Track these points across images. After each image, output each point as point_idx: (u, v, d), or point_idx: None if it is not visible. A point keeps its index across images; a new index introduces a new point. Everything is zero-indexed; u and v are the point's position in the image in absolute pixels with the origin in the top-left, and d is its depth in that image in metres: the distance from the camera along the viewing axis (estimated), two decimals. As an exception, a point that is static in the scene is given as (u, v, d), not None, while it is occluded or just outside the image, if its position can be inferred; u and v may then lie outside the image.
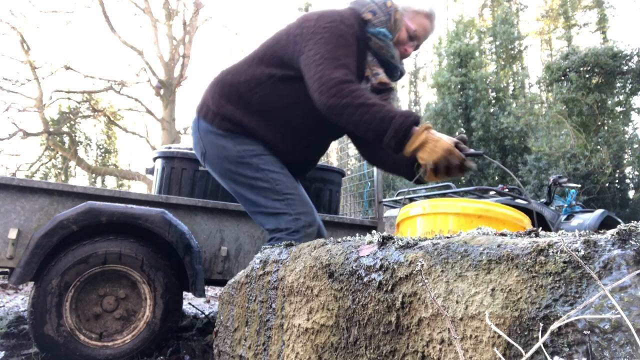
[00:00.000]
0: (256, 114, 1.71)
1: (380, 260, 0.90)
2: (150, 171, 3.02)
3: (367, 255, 0.94)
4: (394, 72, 1.78)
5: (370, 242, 0.99)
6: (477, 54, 14.65)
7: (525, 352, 0.63)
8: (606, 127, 10.54)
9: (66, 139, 15.12)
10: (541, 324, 0.63)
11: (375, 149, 1.85)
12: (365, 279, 0.91)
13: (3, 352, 2.22)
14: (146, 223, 2.09)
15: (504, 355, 0.66)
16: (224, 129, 1.72)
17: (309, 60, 1.55)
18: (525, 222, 1.24)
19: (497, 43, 15.85)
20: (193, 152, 2.76)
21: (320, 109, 1.53)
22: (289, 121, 1.73)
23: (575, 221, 4.24)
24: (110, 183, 19.63)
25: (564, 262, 0.65)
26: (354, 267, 0.95)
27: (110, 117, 15.66)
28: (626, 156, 11.27)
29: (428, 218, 1.24)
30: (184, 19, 14.11)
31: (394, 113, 1.42)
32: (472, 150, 1.42)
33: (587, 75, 10.66)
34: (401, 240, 0.93)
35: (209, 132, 1.74)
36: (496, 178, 13.10)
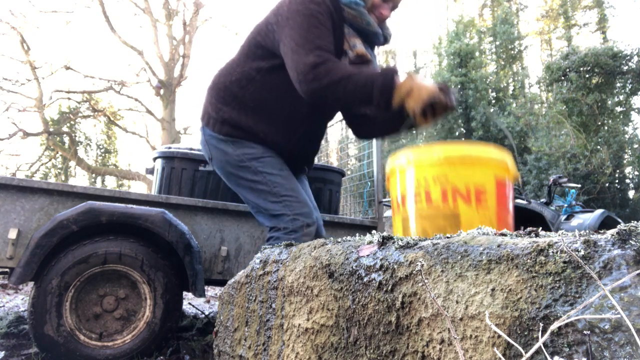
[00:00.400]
0: (251, 111, 1.74)
1: (380, 260, 0.90)
2: (150, 171, 3.02)
3: (367, 255, 0.94)
4: (375, 39, 1.77)
5: (370, 242, 0.99)
6: (477, 54, 14.65)
7: (525, 352, 0.63)
8: (606, 127, 10.54)
9: (66, 139, 15.12)
10: (541, 324, 0.63)
11: (364, 122, 1.90)
12: (365, 279, 0.91)
13: (3, 352, 2.22)
14: (146, 223, 2.09)
15: (504, 355, 0.66)
16: (224, 133, 1.77)
17: (285, 49, 1.59)
18: (507, 160, 1.23)
19: (497, 43, 15.85)
20: (193, 152, 2.76)
21: (305, 98, 1.57)
22: (283, 111, 1.75)
23: (575, 221, 4.24)
24: (110, 183, 19.64)
25: (564, 262, 0.65)
26: (354, 267, 0.95)
27: (110, 117, 15.66)
28: (626, 156, 11.27)
29: (414, 168, 1.26)
30: (184, 19, 14.11)
31: (374, 76, 1.47)
32: (455, 93, 1.50)
33: (587, 75, 10.66)
34: (401, 240, 0.93)
35: (212, 138, 1.81)
36: (496, 178, 13.09)
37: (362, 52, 1.67)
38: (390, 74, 1.47)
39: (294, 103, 1.72)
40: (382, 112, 1.53)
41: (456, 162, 1.20)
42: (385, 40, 1.84)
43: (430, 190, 1.21)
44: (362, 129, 1.96)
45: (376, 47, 1.89)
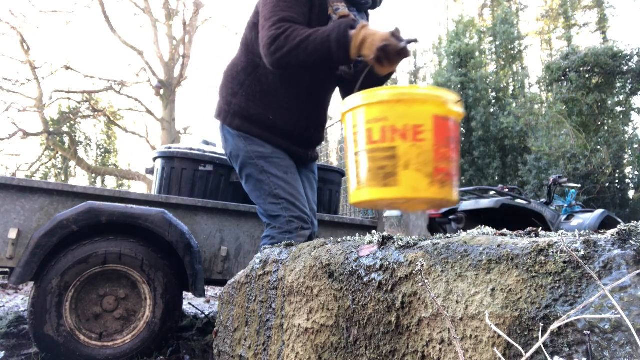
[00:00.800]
0: (259, 97, 1.81)
1: (380, 260, 0.90)
2: (150, 171, 3.02)
3: (367, 255, 0.94)
4: (362, 2, 1.82)
5: (370, 242, 0.99)
6: (477, 54, 14.65)
7: (525, 352, 0.63)
8: (606, 127, 10.53)
9: (66, 139, 15.12)
10: (541, 324, 0.63)
11: (348, 88, 1.93)
12: (365, 279, 0.91)
13: (3, 352, 2.22)
14: (146, 223, 2.09)
15: (504, 355, 0.66)
16: (235, 127, 1.84)
17: (260, 28, 1.67)
18: (448, 97, 1.28)
19: (497, 43, 15.84)
20: (193, 152, 2.77)
21: (272, 69, 1.65)
22: (287, 91, 1.81)
23: (575, 221, 4.24)
24: (110, 183, 19.63)
25: (564, 262, 0.65)
26: (354, 267, 0.95)
27: (110, 117, 15.66)
28: (626, 156, 11.27)
29: (359, 110, 1.32)
30: (184, 19, 14.11)
31: (328, 30, 1.52)
32: (407, 38, 1.51)
33: (587, 75, 10.66)
34: (401, 240, 0.93)
35: (227, 133, 1.88)
36: (496, 178, 13.11)
37: (344, 14, 1.72)
38: (343, 25, 1.52)
39: (295, 82, 1.80)
40: (346, 67, 1.58)
41: (394, 102, 1.27)
42: (375, 2, 1.87)
43: (371, 128, 1.29)
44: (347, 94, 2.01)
45: (370, 11, 1.93)
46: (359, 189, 1.31)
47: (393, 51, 1.48)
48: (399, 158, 1.23)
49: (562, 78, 10.94)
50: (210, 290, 5.10)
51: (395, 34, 1.49)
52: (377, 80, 1.73)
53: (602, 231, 0.71)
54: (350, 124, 1.36)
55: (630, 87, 10.83)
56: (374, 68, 1.55)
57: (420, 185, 1.22)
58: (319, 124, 2.00)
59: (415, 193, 1.21)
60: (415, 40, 1.53)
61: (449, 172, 1.27)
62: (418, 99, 1.27)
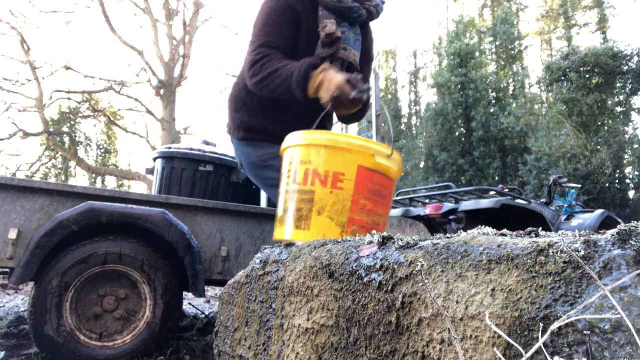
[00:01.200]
0: (259, 112, 1.87)
1: (380, 260, 0.90)
2: (150, 171, 3.02)
3: (367, 255, 0.94)
4: (350, 14, 1.78)
5: (370, 242, 0.99)
6: (477, 54, 14.65)
7: (525, 352, 0.63)
8: (606, 127, 10.53)
9: (66, 139, 15.12)
10: (541, 324, 0.63)
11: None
12: (365, 279, 0.91)
13: (3, 352, 2.22)
14: (146, 223, 2.09)
15: (504, 355, 0.66)
16: (241, 138, 1.90)
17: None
18: (378, 149, 1.27)
19: (497, 43, 15.85)
20: (193, 152, 2.77)
21: (252, 90, 1.72)
22: (282, 108, 1.85)
23: (575, 221, 4.24)
24: (110, 183, 19.64)
25: (564, 262, 0.65)
26: (354, 267, 0.95)
27: (110, 117, 15.66)
28: (626, 156, 11.27)
29: (297, 148, 1.35)
30: (184, 19, 14.11)
31: (293, 68, 1.57)
32: (362, 86, 1.51)
33: (587, 75, 10.66)
34: (401, 240, 0.93)
35: (236, 145, 1.96)
36: (496, 178, 13.11)
37: (330, 31, 1.73)
38: (305, 65, 1.55)
39: (288, 100, 1.81)
40: (305, 102, 1.64)
41: (321, 147, 1.28)
42: (370, 14, 1.85)
43: (297, 170, 1.30)
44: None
45: (370, 22, 1.94)
46: (280, 226, 1.32)
47: (345, 100, 1.49)
48: (315, 203, 1.23)
49: (562, 78, 10.94)
50: (210, 290, 5.10)
51: (350, 80, 1.49)
52: (353, 114, 1.75)
53: (602, 231, 0.71)
54: (287, 161, 1.37)
55: (630, 87, 10.83)
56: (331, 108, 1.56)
57: (330, 233, 1.22)
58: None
59: None
60: (367, 89, 1.53)
61: (364, 225, 1.24)
62: (343, 146, 1.26)
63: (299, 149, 1.31)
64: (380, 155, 1.28)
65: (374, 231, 1.25)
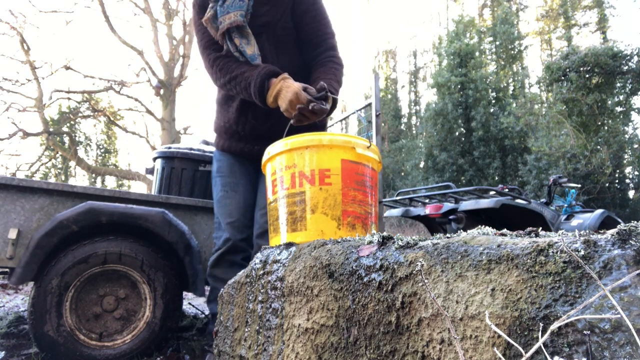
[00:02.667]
0: (218, 110, 1.97)
1: (380, 260, 0.90)
2: (150, 171, 3.02)
3: (367, 255, 0.94)
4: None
5: (370, 242, 0.99)
6: (477, 54, 14.65)
7: (525, 352, 0.63)
8: (606, 127, 10.53)
9: (66, 139, 15.12)
10: (541, 324, 0.63)
11: None
12: (365, 279, 0.91)
13: (3, 352, 2.22)
14: (146, 223, 2.09)
15: (504, 355, 0.66)
16: (214, 144, 2.04)
17: None
18: (358, 142, 1.29)
19: (497, 43, 15.85)
20: (193, 152, 2.76)
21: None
22: (229, 105, 1.91)
23: (575, 221, 4.24)
24: (110, 183, 19.64)
25: (564, 262, 0.65)
26: (354, 267, 0.95)
27: (110, 117, 15.66)
28: (626, 156, 11.27)
29: (280, 156, 1.36)
30: (184, 19, 14.11)
31: (252, 77, 1.60)
32: (316, 94, 1.52)
33: (587, 75, 10.65)
34: (401, 240, 0.93)
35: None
36: (496, 178, 13.11)
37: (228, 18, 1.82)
38: (263, 73, 1.58)
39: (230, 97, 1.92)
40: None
41: (303, 149, 1.30)
42: None
43: (283, 176, 1.32)
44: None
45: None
46: (274, 236, 1.33)
47: (304, 111, 1.49)
48: (307, 202, 1.25)
49: (562, 78, 10.94)
50: (210, 290, 5.09)
51: (307, 89, 1.50)
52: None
53: (602, 231, 0.71)
54: (270, 172, 1.38)
55: (630, 87, 10.83)
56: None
57: (327, 229, 1.23)
58: (266, 118, 1.98)
59: (322, 237, 1.21)
60: (324, 94, 1.52)
61: (359, 215, 1.27)
62: (325, 144, 1.28)
63: (282, 156, 1.33)
64: (360, 147, 1.30)
65: (374, 231, 1.25)
